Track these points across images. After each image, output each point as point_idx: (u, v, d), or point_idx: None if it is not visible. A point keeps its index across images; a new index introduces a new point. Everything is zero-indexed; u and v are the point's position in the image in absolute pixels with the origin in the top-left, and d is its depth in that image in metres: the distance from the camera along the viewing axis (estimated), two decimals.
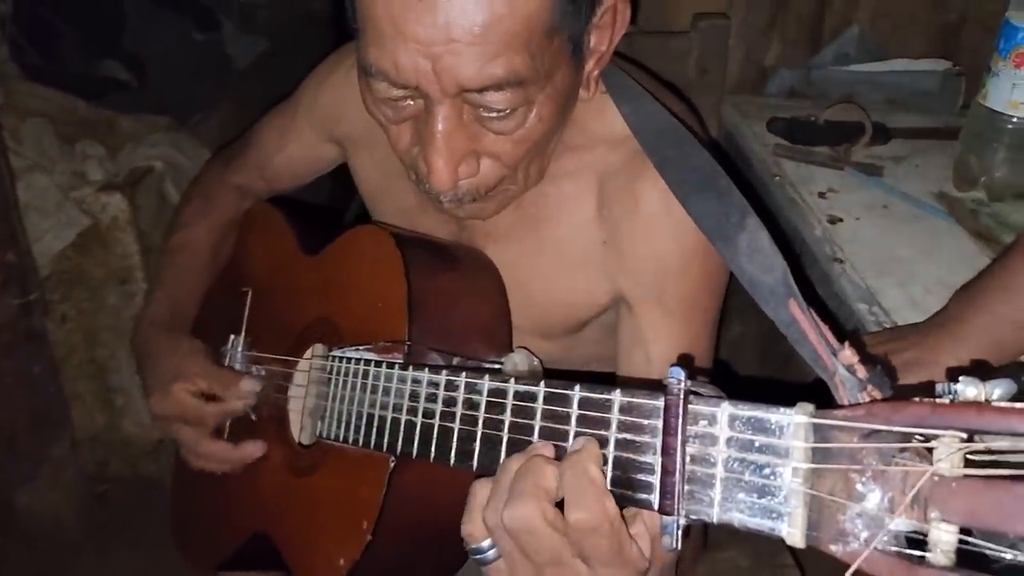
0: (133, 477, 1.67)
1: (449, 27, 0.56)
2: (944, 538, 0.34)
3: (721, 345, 0.79)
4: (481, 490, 0.50)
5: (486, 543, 0.51)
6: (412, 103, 0.63)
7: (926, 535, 0.35)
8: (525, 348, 0.76)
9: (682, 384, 0.42)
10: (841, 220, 0.99)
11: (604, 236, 0.74)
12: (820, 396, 0.42)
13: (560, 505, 0.47)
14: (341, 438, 0.71)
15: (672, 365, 0.42)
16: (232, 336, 0.94)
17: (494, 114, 0.61)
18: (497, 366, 0.73)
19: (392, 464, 0.67)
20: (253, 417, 0.87)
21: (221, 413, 0.85)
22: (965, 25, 1.29)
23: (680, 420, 0.41)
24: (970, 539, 0.34)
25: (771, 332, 0.52)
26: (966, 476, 0.34)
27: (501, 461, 0.52)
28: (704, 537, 1.02)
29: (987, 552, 0.33)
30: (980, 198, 1.02)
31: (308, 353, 0.84)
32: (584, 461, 0.46)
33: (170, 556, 1.00)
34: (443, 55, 0.57)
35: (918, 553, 0.35)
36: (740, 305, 0.95)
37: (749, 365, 1.24)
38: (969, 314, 0.71)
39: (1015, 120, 0.97)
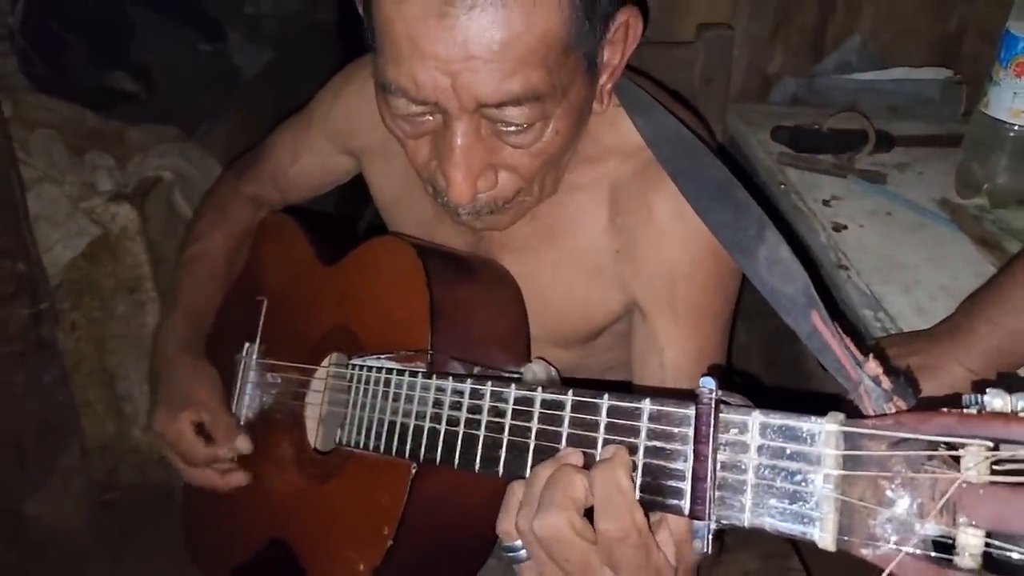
0: (142, 485, 1.67)
1: (468, 44, 0.57)
2: (972, 542, 0.35)
3: (728, 350, 0.81)
4: (518, 490, 0.52)
5: (519, 542, 0.52)
6: (431, 119, 0.64)
7: (954, 539, 0.36)
8: (543, 359, 0.78)
9: (713, 393, 0.43)
10: (845, 227, 1.00)
11: (617, 245, 0.75)
12: (819, 402, 0.43)
13: (589, 512, 0.49)
14: (362, 445, 0.72)
15: (703, 375, 0.43)
16: (247, 344, 0.95)
17: (512, 128, 0.63)
18: (516, 375, 0.74)
19: (414, 470, 0.68)
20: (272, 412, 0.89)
21: (209, 457, 0.87)
22: (965, 34, 1.31)
23: (711, 428, 0.43)
24: (996, 543, 0.35)
25: (776, 338, 0.53)
26: (993, 483, 0.35)
27: (528, 468, 0.53)
28: (720, 542, 1.04)
29: (1013, 556, 0.35)
30: (983, 205, 1.04)
31: (326, 361, 0.85)
32: (614, 470, 0.47)
33: (180, 564, 1.01)
34: (462, 72, 0.58)
35: (946, 556, 0.36)
36: (745, 311, 0.97)
37: (755, 371, 1.25)
38: (974, 323, 0.73)
39: (1017, 128, 0.99)
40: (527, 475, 0.54)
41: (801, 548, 1.05)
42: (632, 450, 0.48)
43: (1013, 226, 0.99)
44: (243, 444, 0.88)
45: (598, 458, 0.49)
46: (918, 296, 0.88)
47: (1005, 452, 0.35)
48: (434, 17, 0.57)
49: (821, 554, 0.40)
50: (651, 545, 0.48)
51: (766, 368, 1.24)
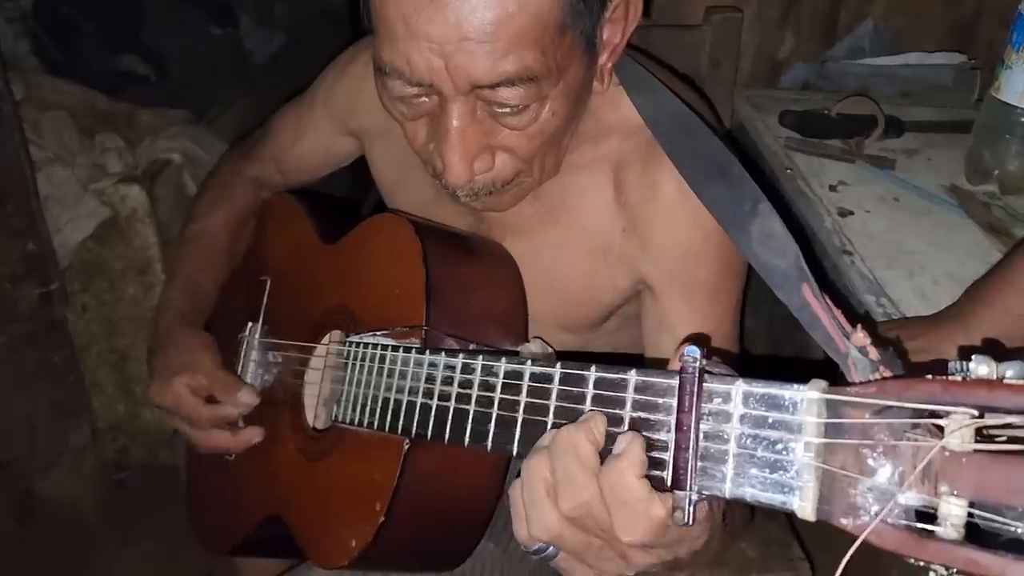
0: (151, 465, 1.69)
1: (460, 25, 0.57)
2: (954, 511, 0.35)
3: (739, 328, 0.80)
4: (517, 495, 0.49)
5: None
6: (427, 100, 0.64)
7: (936, 509, 0.35)
8: (540, 338, 0.77)
9: (697, 363, 0.42)
10: (852, 213, 0.99)
11: (623, 224, 0.74)
12: (828, 374, 0.43)
13: None
14: (356, 422, 0.72)
15: (687, 344, 0.43)
16: (249, 323, 0.95)
17: (507, 110, 0.62)
18: (512, 354, 0.74)
19: (407, 446, 0.68)
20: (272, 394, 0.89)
21: (214, 417, 0.86)
22: (980, 18, 1.29)
23: (694, 398, 0.42)
24: (979, 512, 0.35)
25: (783, 324, 0.53)
26: (976, 451, 0.34)
27: (516, 441, 0.53)
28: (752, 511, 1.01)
29: (994, 525, 0.34)
30: (992, 191, 1.03)
31: (325, 339, 0.85)
32: (625, 474, 0.44)
33: (187, 542, 1.02)
34: (455, 53, 0.58)
35: (928, 527, 0.35)
36: (752, 298, 0.96)
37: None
38: (978, 307, 0.73)
39: None
40: (514, 449, 0.53)
41: (802, 536, 1.04)
42: (618, 421, 0.47)
43: (1022, 212, 0.98)
44: (246, 397, 0.86)
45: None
46: (922, 282, 0.87)
47: (990, 420, 0.35)
48: None
49: (822, 542, 0.39)
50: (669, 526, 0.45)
51: (773, 352, 1.23)
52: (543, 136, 0.66)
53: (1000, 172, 1.02)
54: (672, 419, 0.44)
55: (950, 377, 0.35)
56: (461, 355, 0.60)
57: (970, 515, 0.35)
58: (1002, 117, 0.99)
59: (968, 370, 0.35)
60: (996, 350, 0.55)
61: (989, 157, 1.02)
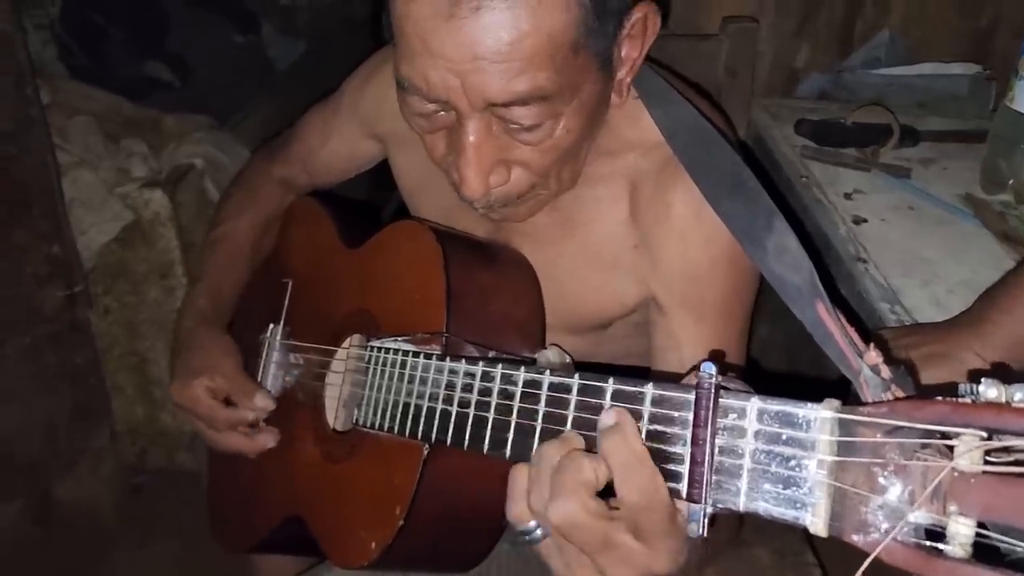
0: (170, 468, 1.70)
1: (475, 45, 0.58)
2: (962, 531, 0.36)
3: (750, 347, 0.81)
4: (520, 476, 0.52)
5: (533, 523, 0.52)
6: (444, 114, 0.65)
7: (945, 528, 0.36)
8: (558, 345, 0.78)
9: (713, 378, 0.44)
10: (866, 221, 1.00)
11: (635, 240, 0.76)
12: (839, 391, 0.44)
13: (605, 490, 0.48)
14: (377, 426, 0.73)
15: (704, 360, 0.44)
16: (271, 325, 0.97)
17: (522, 126, 0.64)
18: (530, 361, 0.75)
19: (426, 452, 0.69)
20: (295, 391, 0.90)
21: (230, 419, 0.89)
22: (997, 29, 1.29)
23: (710, 412, 0.43)
24: (986, 532, 0.36)
25: (798, 335, 0.54)
26: (984, 472, 0.35)
27: (534, 451, 0.54)
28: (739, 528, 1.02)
29: (1002, 545, 0.35)
30: (1007, 200, 1.03)
31: (346, 343, 0.86)
32: (627, 437, 0.46)
33: (204, 545, 1.03)
34: (470, 72, 0.60)
35: (937, 545, 0.36)
36: (768, 308, 0.97)
37: (777, 367, 1.25)
38: (992, 314, 0.73)
39: None
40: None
41: (816, 543, 1.04)
42: None
43: None
44: (262, 401, 0.88)
45: (598, 427, 0.49)
46: (936, 290, 0.87)
47: (998, 442, 0.36)
48: (442, 18, 0.58)
49: (836, 549, 0.40)
50: (674, 508, 0.47)
51: (788, 363, 1.24)
52: (557, 152, 0.67)
53: (1015, 182, 1.02)
54: (688, 433, 0.45)
55: (960, 399, 0.36)
56: (481, 363, 0.61)
57: (978, 535, 0.36)
58: (1016, 127, 0.99)
59: (978, 393, 0.36)
60: (1005, 373, 0.56)
61: (1004, 167, 1.02)
